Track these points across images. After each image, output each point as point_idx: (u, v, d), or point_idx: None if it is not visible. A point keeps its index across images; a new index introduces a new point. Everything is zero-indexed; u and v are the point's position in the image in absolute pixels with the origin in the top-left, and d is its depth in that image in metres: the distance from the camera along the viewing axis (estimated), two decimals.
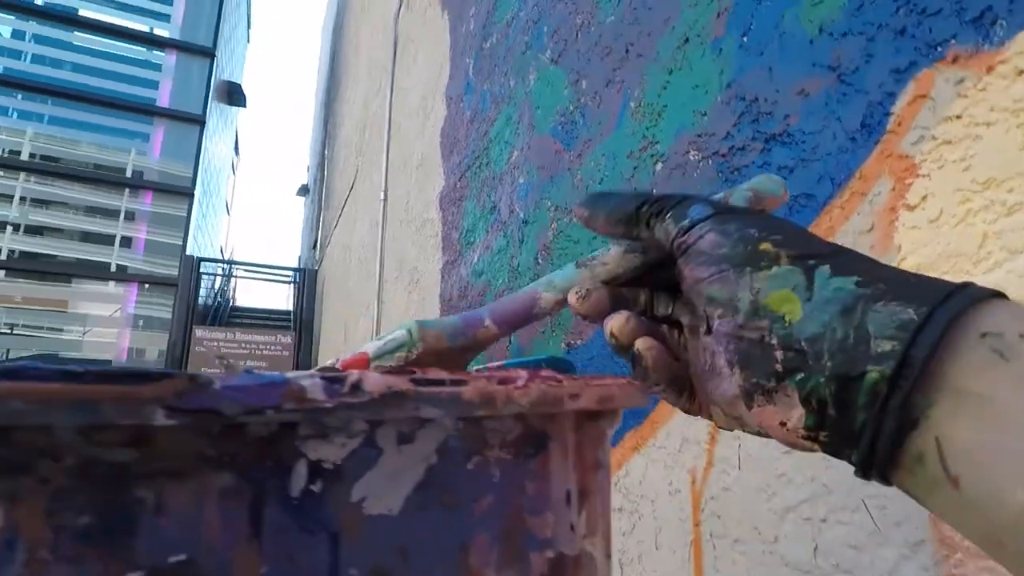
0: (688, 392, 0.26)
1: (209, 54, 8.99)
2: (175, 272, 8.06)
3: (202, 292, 7.98)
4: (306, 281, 8.29)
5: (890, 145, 0.60)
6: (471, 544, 0.25)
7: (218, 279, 9.26)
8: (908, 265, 0.60)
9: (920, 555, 0.60)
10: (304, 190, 12.74)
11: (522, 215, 1.58)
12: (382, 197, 3.51)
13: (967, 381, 0.17)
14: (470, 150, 2.06)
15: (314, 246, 8.75)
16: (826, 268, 0.21)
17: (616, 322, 0.27)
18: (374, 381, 0.21)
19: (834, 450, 0.21)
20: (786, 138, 0.74)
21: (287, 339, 7.39)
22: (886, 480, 0.19)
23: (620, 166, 1.13)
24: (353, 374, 0.21)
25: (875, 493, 0.65)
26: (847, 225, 0.66)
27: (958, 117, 0.53)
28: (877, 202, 0.62)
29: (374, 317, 3.48)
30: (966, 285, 0.19)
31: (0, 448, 0.17)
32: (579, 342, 1.29)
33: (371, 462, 0.23)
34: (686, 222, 0.25)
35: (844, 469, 0.61)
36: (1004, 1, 0.52)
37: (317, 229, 8.54)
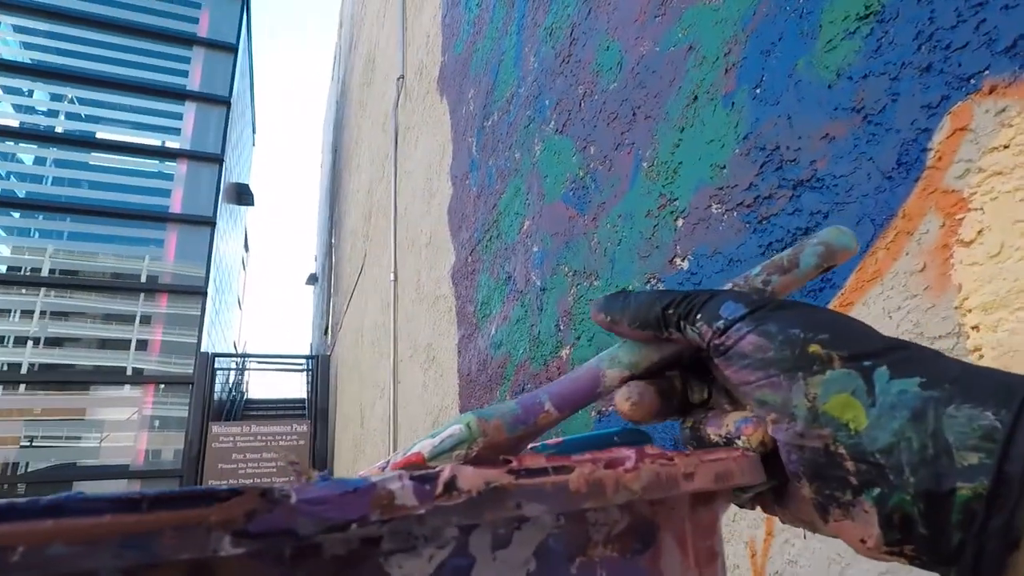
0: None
1: (218, 160, 9.44)
2: (190, 370, 8.07)
3: (217, 387, 7.96)
4: (319, 367, 8.26)
5: (933, 181, 0.58)
6: None
7: (232, 373, 9.25)
8: (972, 305, 0.57)
9: None
10: (313, 279, 12.94)
11: (539, 283, 1.57)
12: (392, 278, 3.53)
13: None
14: (479, 224, 2.07)
15: (325, 332, 8.78)
16: (884, 370, 0.20)
17: (626, 406, 0.27)
18: (470, 476, 0.17)
19: (922, 565, 0.19)
20: (815, 183, 0.73)
21: (303, 427, 7.28)
22: None
23: (639, 225, 1.12)
24: (445, 470, 0.17)
25: None
26: (895, 266, 0.63)
27: (1006, 147, 0.51)
28: (926, 240, 0.60)
29: (390, 398, 3.42)
30: None
31: None
32: (610, 409, 1.24)
33: (463, 574, 0.19)
34: (721, 324, 0.24)
35: None
36: None
37: (328, 315, 8.60)
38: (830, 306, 0.74)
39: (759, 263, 0.31)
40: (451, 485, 0.17)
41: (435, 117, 2.78)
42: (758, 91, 0.83)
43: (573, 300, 1.38)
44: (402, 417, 3.22)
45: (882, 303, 0.67)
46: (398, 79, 3.65)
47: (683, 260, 0.99)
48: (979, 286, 0.56)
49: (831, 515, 0.21)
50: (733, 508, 0.93)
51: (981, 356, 0.57)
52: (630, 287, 1.15)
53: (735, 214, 0.87)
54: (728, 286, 0.30)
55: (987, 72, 0.55)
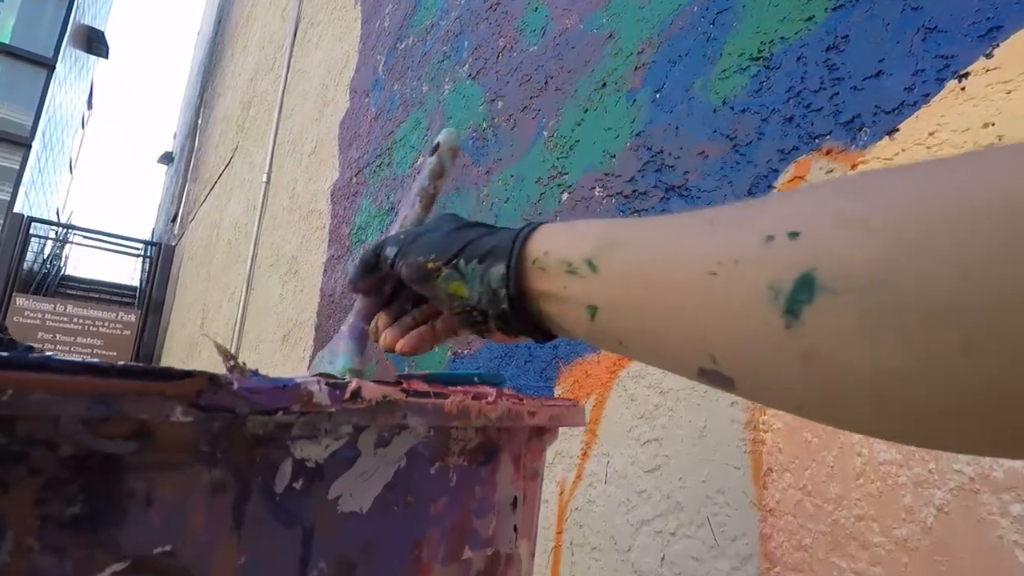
0: (449, 334, 0.40)
1: None
2: None
3: (29, 256, 6.93)
4: (160, 256, 7.51)
5: None
6: (424, 540, 0.27)
7: (50, 244, 8.10)
8: None
9: (748, 567, 0.70)
10: (168, 158, 11.55)
11: None
12: (264, 180, 3.30)
13: (539, 288, 0.31)
14: (372, 147, 2.02)
15: (174, 219, 7.97)
16: (462, 261, 0.35)
17: (382, 342, 0.42)
18: (371, 389, 0.22)
19: (526, 336, 0.34)
20: (684, 191, 0.84)
21: (130, 317, 6.63)
22: (550, 337, 0.34)
23: (528, 189, 1.19)
24: (353, 382, 0.22)
25: (718, 512, 0.75)
26: None
27: None
28: None
29: (240, 303, 3.25)
30: (519, 232, 0.33)
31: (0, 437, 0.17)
32: (466, 352, 1.32)
33: (349, 463, 0.24)
34: (388, 262, 0.39)
35: (696, 489, 0.70)
36: (870, 112, 0.64)
37: (179, 202, 7.80)
38: None
39: (424, 176, 0.50)
40: (356, 393, 0.22)
41: (345, 21, 2.60)
42: (658, 96, 0.91)
43: None
44: (250, 325, 3.09)
45: None
46: None
47: None
48: None
49: (485, 334, 0.35)
50: (551, 455, 1.05)
51: None
52: None
53: (613, 201, 0.97)
54: (414, 197, 0.49)
55: (829, 136, 0.67)
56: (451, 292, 0.35)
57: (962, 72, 0.58)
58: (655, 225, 0.27)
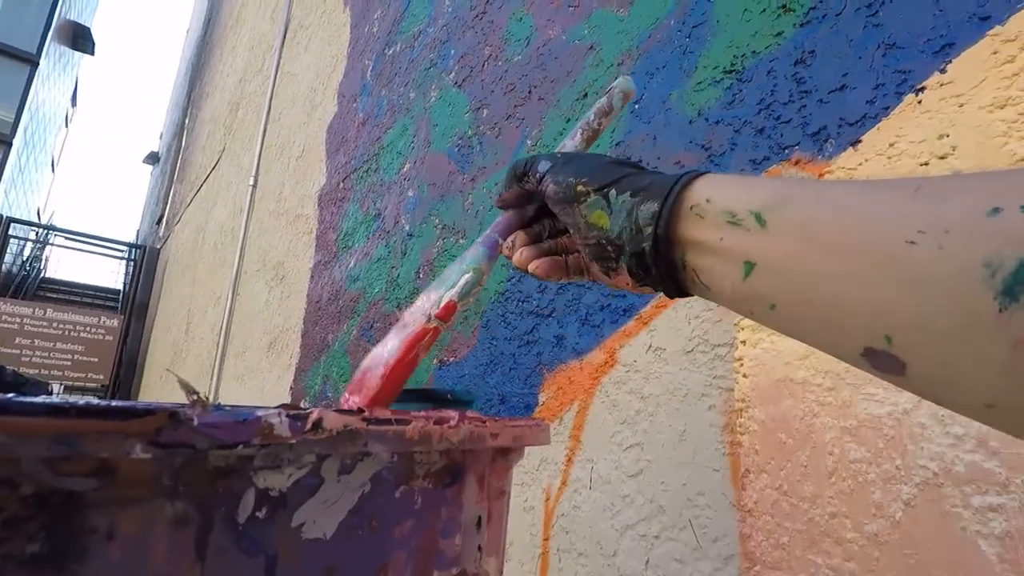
0: (587, 273, 0.40)
1: None
2: None
3: (8, 258, 6.83)
4: (144, 259, 7.43)
5: None
6: (389, 563, 0.27)
7: (29, 245, 7.99)
8: (745, 324, 0.72)
9: (730, 567, 0.71)
10: (153, 158, 11.45)
11: (408, 228, 1.59)
12: (251, 183, 3.29)
13: (692, 235, 0.30)
14: (359, 152, 2.02)
15: (159, 221, 7.90)
16: (614, 192, 0.33)
17: (515, 259, 0.42)
18: (332, 419, 0.23)
19: (655, 288, 0.34)
20: None
21: (113, 322, 6.55)
22: (684, 293, 0.33)
23: None
24: (314, 412, 0.23)
25: (699, 514, 0.76)
26: None
27: None
28: None
29: (227, 308, 3.24)
30: (682, 176, 0.31)
31: None
32: (451, 359, 1.33)
33: (312, 490, 0.25)
34: (537, 177, 0.38)
35: (677, 492, 0.71)
36: (835, 124, 0.66)
37: (165, 204, 7.73)
38: (650, 305, 0.87)
39: (591, 112, 0.49)
40: (318, 424, 0.23)
41: (334, 25, 2.59)
42: (636, 107, 0.93)
43: (437, 252, 1.43)
44: (236, 330, 3.07)
45: (686, 310, 0.81)
46: None
47: None
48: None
49: (610, 276, 0.35)
50: (536, 461, 1.07)
51: (741, 364, 0.73)
52: None
53: None
54: (577, 129, 0.49)
55: (797, 147, 0.69)
56: (591, 221, 0.34)
57: (919, 86, 0.59)
58: (846, 187, 0.25)
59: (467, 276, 0.41)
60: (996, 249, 0.18)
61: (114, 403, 0.19)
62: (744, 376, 0.72)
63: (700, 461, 0.77)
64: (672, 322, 0.83)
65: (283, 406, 0.23)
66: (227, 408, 0.21)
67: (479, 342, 1.23)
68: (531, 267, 0.40)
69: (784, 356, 0.68)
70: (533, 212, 0.44)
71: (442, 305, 0.39)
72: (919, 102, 0.59)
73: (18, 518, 0.18)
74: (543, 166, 0.38)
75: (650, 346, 0.86)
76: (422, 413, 0.27)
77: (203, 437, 0.20)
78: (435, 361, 1.36)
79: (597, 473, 0.93)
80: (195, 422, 0.19)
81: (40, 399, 0.17)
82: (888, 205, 0.22)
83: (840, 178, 0.65)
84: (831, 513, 0.61)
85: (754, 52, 0.76)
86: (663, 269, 0.31)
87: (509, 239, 0.43)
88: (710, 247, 0.28)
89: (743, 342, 0.73)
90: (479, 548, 0.30)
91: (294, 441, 0.22)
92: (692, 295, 0.33)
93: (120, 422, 0.18)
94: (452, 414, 0.28)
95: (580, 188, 0.35)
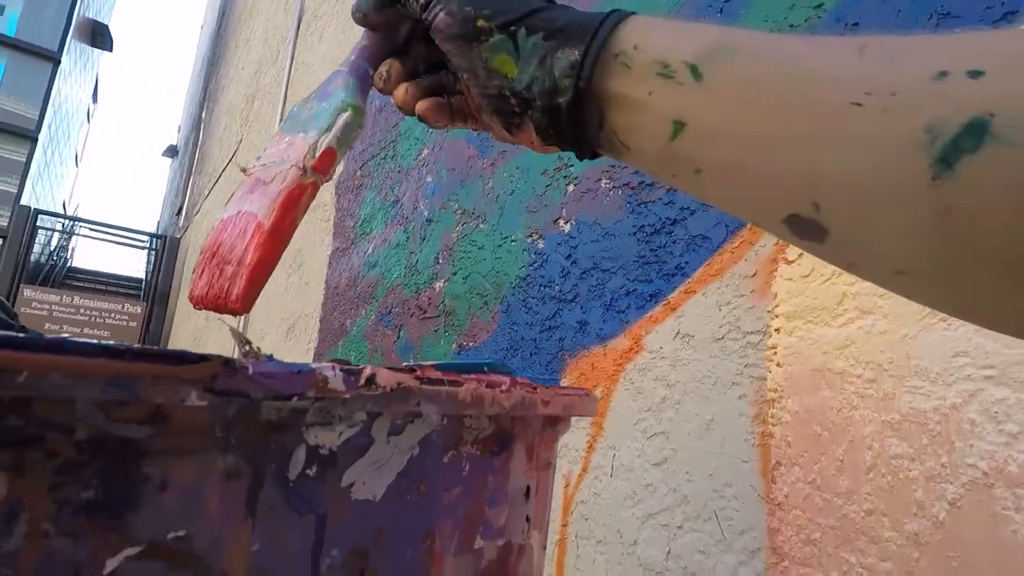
0: (472, 118, 0.34)
1: None
2: (4, 222, 6.97)
3: (36, 248, 6.97)
4: (165, 249, 7.54)
5: None
6: (436, 529, 0.27)
7: (56, 236, 8.14)
8: (780, 312, 0.71)
9: (755, 561, 0.70)
10: (172, 151, 11.57)
11: (427, 214, 1.59)
12: None
13: (615, 89, 0.26)
14: (376, 139, 2.02)
15: (179, 212, 7.99)
16: (523, 31, 0.28)
17: (396, 96, 0.35)
18: (386, 376, 0.22)
19: (563, 148, 0.30)
20: None
21: (136, 309, 6.68)
22: (594, 156, 0.29)
23: (533, 181, 1.18)
24: (367, 368, 0.22)
25: (725, 506, 0.75)
26: (734, 268, 0.76)
27: None
28: (762, 252, 0.72)
29: None
30: (610, 14, 0.27)
31: (16, 419, 0.16)
32: (471, 344, 1.32)
33: (362, 450, 0.24)
34: (423, 1, 0.31)
35: (703, 483, 0.70)
36: None
37: (184, 195, 7.82)
38: (678, 291, 0.86)
39: None
40: (371, 380, 0.22)
41: (348, 12, 2.58)
42: None
43: (457, 238, 1.42)
44: (255, 316, 3.10)
45: (717, 296, 0.79)
46: None
47: (566, 223, 1.07)
48: (788, 298, 0.69)
49: (513, 133, 0.31)
50: (559, 446, 1.06)
51: (775, 353, 0.71)
52: (513, 239, 1.22)
53: (620, 192, 0.96)
54: None
55: None
56: (494, 66, 0.28)
57: None
58: (787, 41, 0.23)
59: (345, 116, 0.33)
60: (939, 114, 0.17)
61: (170, 349, 0.18)
62: (777, 365, 0.71)
63: (728, 451, 0.76)
64: (702, 308, 0.81)
65: (336, 360, 0.23)
66: (279, 360, 0.20)
67: (499, 327, 1.23)
68: (419, 108, 0.34)
69: (821, 345, 0.66)
70: (405, 37, 0.36)
71: (319, 153, 0.32)
72: None
73: (73, 463, 0.18)
74: None
75: (678, 332, 0.85)
76: (473, 376, 0.26)
77: (258, 387, 0.19)
78: (454, 346, 1.36)
79: (619, 461, 0.92)
80: (250, 371, 0.19)
81: (97, 341, 0.17)
82: (836, 65, 0.20)
83: None
84: (867, 510, 0.59)
85: (791, 26, 0.74)
86: (579, 128, 0.27)
87: (381, 70, 0.35)
88: (634, 102, 0.25)
89: (777, 330, 0.71)
90: (527, 519, 0.29)
91: (348, 396, 0.21)
92: (604, 156, 0.29)
93: (176, 367, 0.17)
94: (504, 378, 0.27)
95: (480, 23, 0.29)
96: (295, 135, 0.33)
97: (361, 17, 0.35)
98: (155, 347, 0.18)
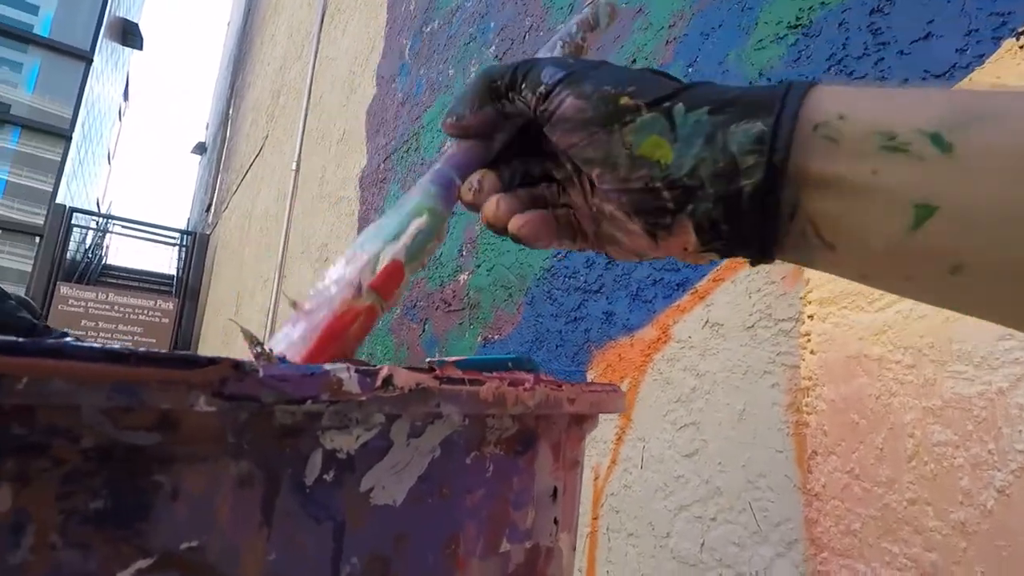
0: (580, 235, 0.29)
1: None
2: (41, 221, 7.19)
3: (71, 246, 7.18)
4: (196, 245, 7.70)
5: None
6: (460, 533, 0.26)
7: (91, 234, 8.38)
8: (813, 298, 0.68)
9: (793, 553, 0.68)
10: (201, 148, 11.80)
11: None
12: (294, 168, 3.34)
13: (819, 168, 0.20)
14: (399, 133, 2.01)
15: (208, 209, 8.15)
16: (681, 106, 0.23)
17: (487, 210, 0.29)
18: (403, 376, 0.21)
19: (728, 253, 0.24)
20: None
21: (168, 305, 6.84)
22: (771, 260, 0.23)
23: None
24: (384, 369, 0.21)
25: (760, 497, 0.73)
26: None
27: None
28: None
29: (272, 292, 3.31)
30: (789, 86, 0.22)
31: (19, 427, 0.16)
32: (496, 337, 1.32)
33: (381, 454, 0.23)
34: (543, 88, 0.25)
35: (736, 473, 0.68)
36: (918, 78, 0.60)
37: (213, 191, 7.96)
38: (706, 279, 0.84)
39: (572, 23, 0.36)
40: (388, 381, 0.21)
41: (371, 6, 2.58)
42: (691, 70, 0.88)
43: (480, 230, 1.41)
44: (283, 311, 3.14)
45: (747, 283, 0.77)
46: None
47: None
48: (821, 283, 0.66)
49: (659, 239, 0.25)
50: (588, 439, 1.05)
51: (809, 340, 0.68)
52: None
53: None
54: (557, 41, 0.35)
55: None
56: (641, 152, 0.23)
57: (1020, 30, 0.53)
58: None
59: (419, 221, 0.27)
60: None
61: (176, 353, 0.17)
62: (811, 352, 0.68)
63: (761, 442, 0.73)
64: (731, 296, 0.79)
65: (351, 361, 0.22)
66: (292, 362, 0.19)
67: (523, 319, 1.22)
68: (514, 224, 0.27)
69: (857, 331, 0.63)
70: (500, 147, 0.31)
71: (380, 267, 0.26)
72: (1021, 47, 0.53)
73: (80, 472, 0.17)
74: (552, 73, 0.25)
75: (707, 321, 0.82)
76: (495, 374, 0.25)
77: (269, 390, 0.18)
78: (479, 339, 1.35)
79: (649, 452, 0.90)
80: (260, 374, 0.18)
81: (99, 345, 0.16)
82: None
83: None
84: (910, 499, 0.57)
85: (823, 3, 0.71)
86: (767, 219, 0.21)
87: (471, 180, 0.30)
88: (851, 185, 0.20)
89: (810, 316, 0.68)
90: (555, 521, 0.28)
91: (364, 398, 0.20)
92: (783, 259, 0.23)
93: (182, 371, 0.17)
94: (527, 376, 0.26)
95: (625, 100, 0.23)
96: (363, 249, 0.27)
97: (454, 122, 0.30)
98: (161, 351, 0.17)
